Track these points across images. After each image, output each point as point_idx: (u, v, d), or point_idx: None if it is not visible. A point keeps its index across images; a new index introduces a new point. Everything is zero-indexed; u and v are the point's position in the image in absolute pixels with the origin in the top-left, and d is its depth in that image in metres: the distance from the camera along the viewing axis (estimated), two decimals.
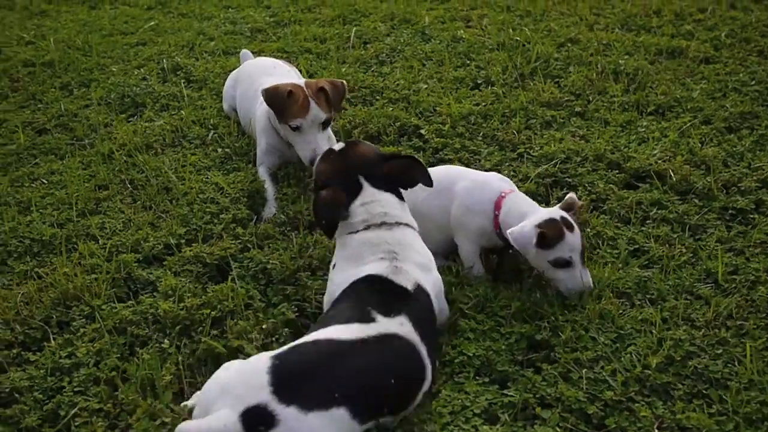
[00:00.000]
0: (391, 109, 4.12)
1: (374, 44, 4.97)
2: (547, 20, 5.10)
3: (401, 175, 2.71)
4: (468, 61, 4.65)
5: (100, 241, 3.27)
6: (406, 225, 2.69)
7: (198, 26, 5.59)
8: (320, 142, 3.40)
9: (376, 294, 2.41)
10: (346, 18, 5.42)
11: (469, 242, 2.95)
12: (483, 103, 4.12)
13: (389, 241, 2.59)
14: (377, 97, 4.29)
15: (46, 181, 3.83)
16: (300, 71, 4.30)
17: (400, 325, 2.30)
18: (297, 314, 2.81)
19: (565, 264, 2.69)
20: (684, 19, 4.98)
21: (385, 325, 2.28)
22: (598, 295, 2.71)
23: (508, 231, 2.72)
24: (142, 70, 4.88)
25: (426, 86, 4.39)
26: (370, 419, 2.15)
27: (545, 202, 3.29)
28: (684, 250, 2.94)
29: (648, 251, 2.94)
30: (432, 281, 2.57)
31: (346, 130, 4.03)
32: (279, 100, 3.41)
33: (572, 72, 4.31)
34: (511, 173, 3.50)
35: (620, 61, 4.39)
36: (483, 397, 2.35)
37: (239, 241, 3.22)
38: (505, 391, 2.37)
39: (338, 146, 2.76)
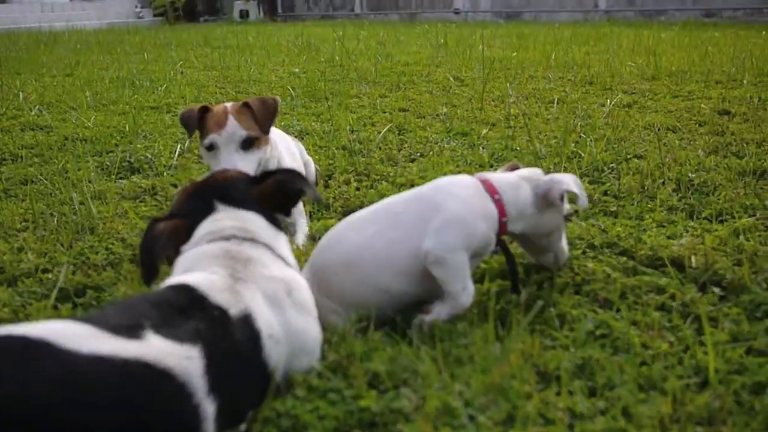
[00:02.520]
0: (388, 191, 3.43)
1: (414, 146, 4.36)
2: (621, 142, 4.29)
3: (280, 190, 2.07)
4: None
5: None
6: (268, 247, 1.96)
7: None
8: (237, 162, 2.74)
9: (174, 308, 1.62)
10: (402, 128, 4.89)
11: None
12: None
13: (235, 255, 1.86)
14: (383, 183, 3.62)
15: None
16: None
17: (184, 359, 1.49)
18: None
19: None
20: None
21: (155, 350, 1.46)
22: (496, 359, 1.77)
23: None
24: (162, 147, 4.51)
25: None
26: None
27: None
28: (674, 341, 1.94)
29: (619, 338, 1.97)
30: (282, 325, 1.76)
31: (328, 203, 3.38)
32: (191, 116, 2.85)
33: (625, 180, 3.44)
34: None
35: (690, 175, 3.48)
36: None
37: (120, 275, 2.58)
38: None
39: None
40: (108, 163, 4.17)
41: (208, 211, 1.99)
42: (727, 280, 2.26)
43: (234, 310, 1.67)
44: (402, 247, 2.11)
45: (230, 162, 2.72)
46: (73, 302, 2.37)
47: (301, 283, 1.92)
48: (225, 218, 1.98)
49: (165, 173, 3.93)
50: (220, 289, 1.71)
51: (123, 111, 6.02)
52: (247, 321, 1.68)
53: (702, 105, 5.32)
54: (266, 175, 2.15)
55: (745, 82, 6.34)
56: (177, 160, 4.13)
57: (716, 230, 2.75)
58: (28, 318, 2.22)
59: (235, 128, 2.77)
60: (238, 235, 1.93)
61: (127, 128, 5.08)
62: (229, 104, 2.88)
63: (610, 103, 5.27)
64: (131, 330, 1.49)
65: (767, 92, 5.72)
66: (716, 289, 2.22)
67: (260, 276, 1.81)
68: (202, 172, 3.95)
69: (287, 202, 2.11)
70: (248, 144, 2.80)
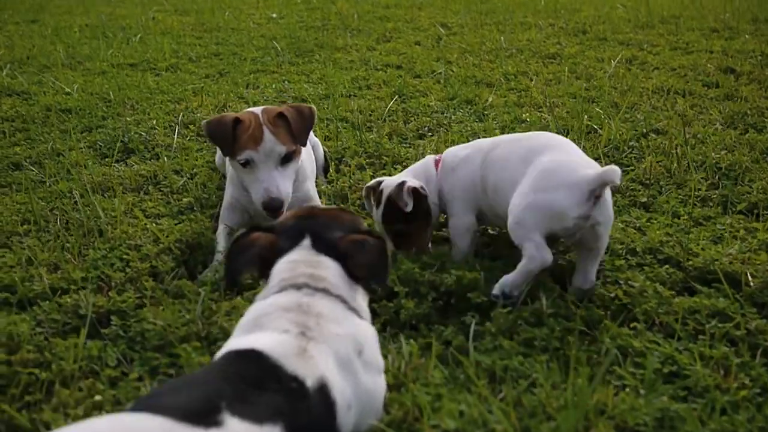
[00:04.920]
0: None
1: (421, 118, 4.20)
2: (634, 111, 4.18)
3: (353, 255, 1.86)
4: None
5: None
6: (341, 299, 1.81)
7: (242, 92, 5.02)
8: (278, 180, 2.60)
9: (247, 381, 1.50)
10: (402, 94, 4.71)
11: None
12: None
13: (305, 308, 1.72)
14: (396, 167, 3.48)
15: None
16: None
17: None
18: None
19: None
20: None
21: None
22: (586, 427, 1.69)
23: None
24: (155, 121, 4.29)
25: None
26: None
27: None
28: (748, 382, 1.87)
29: (689, 377, 1.90)
30: (353, 389, 1.64)
31: (344, 194, 3.23)
32: (223, 130, 2.64)
33: (647, 161, 3.34)
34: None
35: (713, 155, 3.39)
36: None
37: (141, 295, 2.44)
38: None
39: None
40: (100, 143, 3.95)
41: (294, 243, 1.86)
42: None
43: (310, 381, 1.55)
44: None
45: (270, 181, 2.57)
46: (101, 336, 2.22)
47: (369, 336, 1.80)
48: (300, 261, 1.83)
49: (164, 156, 3.73)
50: (293, 355, 1.58)
51: (102, 70, 5.74)
52: (323, 391, 1.56)
53: (707, 64, 5.20)
54: (364, 232, 1.96)
55: (743, 32, 6.22)
56: (176, 142, 3.92)
57: (757, 230, 2.67)
58: (54, 357, 2.07)
59: (272, 144, 2.60)
60: (311, 284, 1.79)
61: (111, 96, 4.83)
62: (258, 110, 2.69)
63: (614, 64, 5.13)
64: (207, 415, 1.37)
65: None
66: None
67: (331, 335, 1.68)
68: (203, 152, 3.78)
69: (351, 265, 1.89)
70: (287, 159, 2.64)
